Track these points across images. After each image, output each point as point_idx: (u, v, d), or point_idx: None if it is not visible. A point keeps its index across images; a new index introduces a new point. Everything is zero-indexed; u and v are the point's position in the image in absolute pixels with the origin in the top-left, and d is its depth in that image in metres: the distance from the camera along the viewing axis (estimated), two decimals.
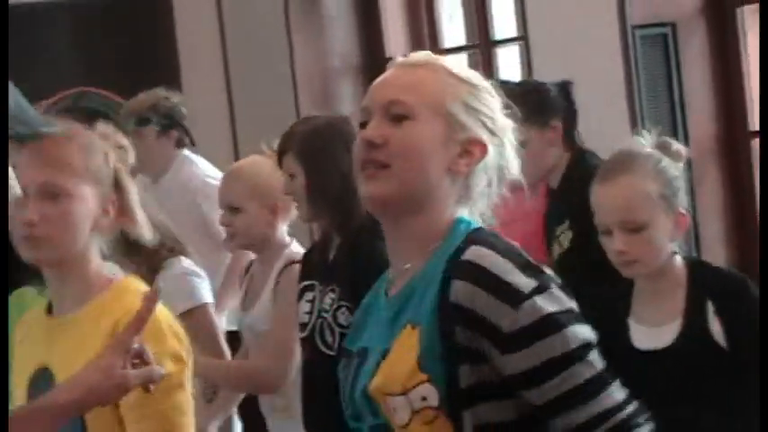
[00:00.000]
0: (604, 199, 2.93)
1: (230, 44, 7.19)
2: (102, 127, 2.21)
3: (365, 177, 1.83)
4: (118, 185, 2.11)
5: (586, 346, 1.75)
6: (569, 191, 3.93)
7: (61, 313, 2.07)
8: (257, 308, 3.52)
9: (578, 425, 1.71)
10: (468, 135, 1.85)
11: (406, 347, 1.76)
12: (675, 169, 2.99)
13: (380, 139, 1.82)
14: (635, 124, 5.44)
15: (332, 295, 3.11)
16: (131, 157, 2.23)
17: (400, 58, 1.95)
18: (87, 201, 2.04)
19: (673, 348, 2.86)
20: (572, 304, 1.78)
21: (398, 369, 1.76)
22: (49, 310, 2.11)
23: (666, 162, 2.96)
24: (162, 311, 2.03)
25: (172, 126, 5.32)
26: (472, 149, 1.85)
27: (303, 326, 3.18)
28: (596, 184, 2.97)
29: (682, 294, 2.90)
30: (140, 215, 2.15)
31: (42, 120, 2.04)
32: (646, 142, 3.02)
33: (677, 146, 3.10)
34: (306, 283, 3.25)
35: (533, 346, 1.72)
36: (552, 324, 1.73)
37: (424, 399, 1.74)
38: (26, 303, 2.38)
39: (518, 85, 4.39)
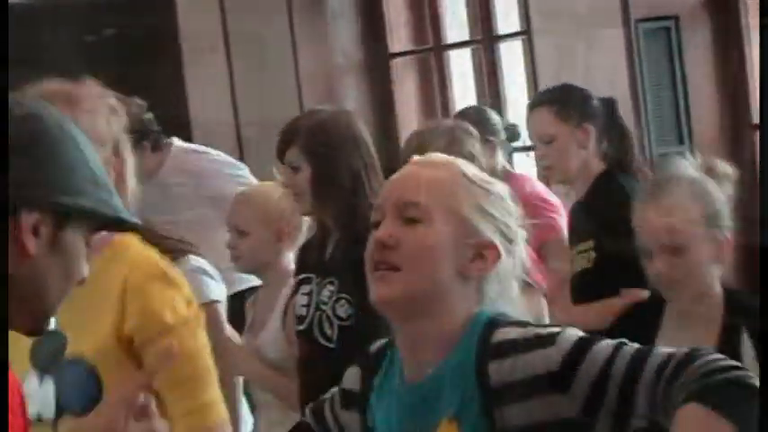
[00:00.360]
0: (646, 221, 2.89)
1: (233, 40, 7.19)
2: (96, 88, 2.18)
3: (376, 279, 1.83)
4: (116, 153, 2.12)
5: (620, 344, 1.77)
6: (596, 207, 3.87)
7: None
8: (265, 335, 3.51)
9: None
10: (481, 239, 1.85)
11: None
12: (721, 193, 2.93)
13: (393, 241, 1.83)
14: (638, 117, 5.44)
15: (330, 288, 3.10)
16: (124, 121, 2.22)
17: (417, 158, 1.96)
18: None
19: None
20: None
21: None
22: None
23: (711, 186, 2.92)
24: (165, 261, 2.06)
25: (142, 137, 5.23)
26: (485, 253, 1.86)
27: (300, 319, 3.17)
28: (639, 204, 2.95)
29: (718, 322, 2.87)
30: (131, 188, 2.15)
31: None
32: (692, 164, 2.99)
33: (725, 168, 3.05)
34: (302, 276, 3.24)
35: (583, 365, 1.74)
36: (587, 340, 1.77)
37: None
38: None
39: (560, 87, 4.34)
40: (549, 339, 1.76)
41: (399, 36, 6.98)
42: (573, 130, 3.88)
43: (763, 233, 2.51)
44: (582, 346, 1.75)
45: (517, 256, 1.91)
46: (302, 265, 3.28)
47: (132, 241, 2.10)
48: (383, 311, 1.88)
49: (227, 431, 2.10)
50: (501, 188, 1.93)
